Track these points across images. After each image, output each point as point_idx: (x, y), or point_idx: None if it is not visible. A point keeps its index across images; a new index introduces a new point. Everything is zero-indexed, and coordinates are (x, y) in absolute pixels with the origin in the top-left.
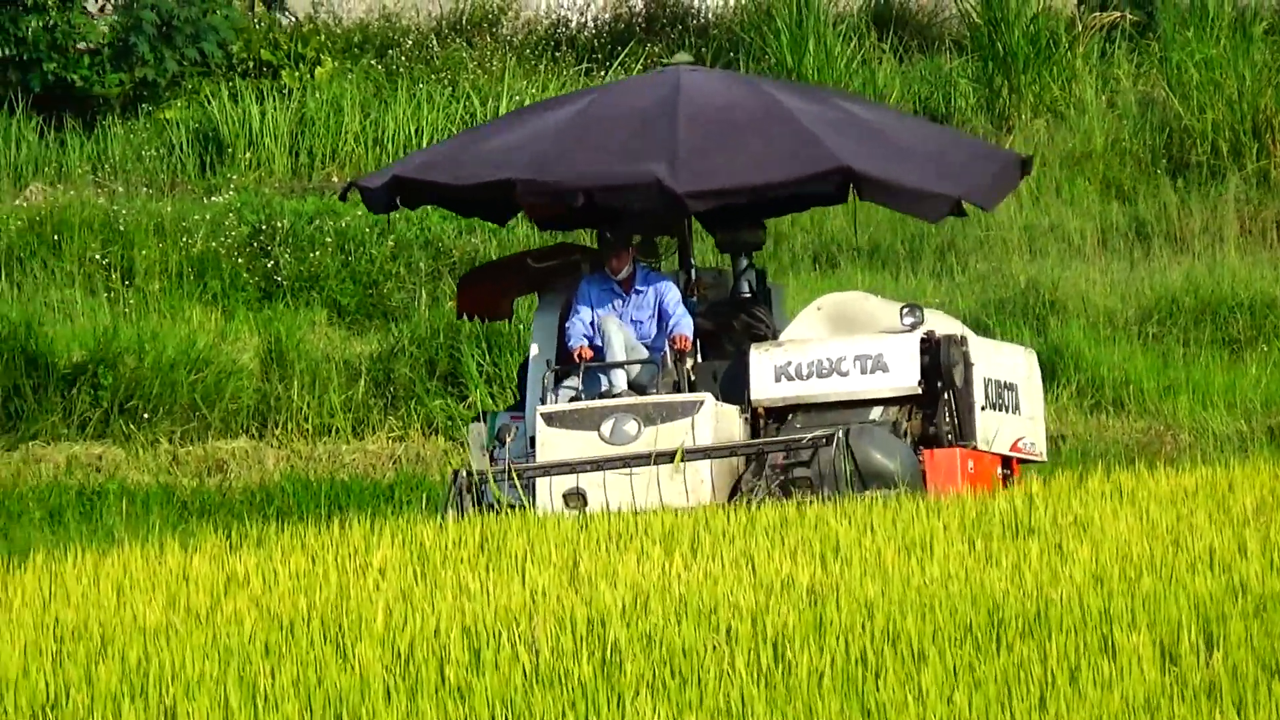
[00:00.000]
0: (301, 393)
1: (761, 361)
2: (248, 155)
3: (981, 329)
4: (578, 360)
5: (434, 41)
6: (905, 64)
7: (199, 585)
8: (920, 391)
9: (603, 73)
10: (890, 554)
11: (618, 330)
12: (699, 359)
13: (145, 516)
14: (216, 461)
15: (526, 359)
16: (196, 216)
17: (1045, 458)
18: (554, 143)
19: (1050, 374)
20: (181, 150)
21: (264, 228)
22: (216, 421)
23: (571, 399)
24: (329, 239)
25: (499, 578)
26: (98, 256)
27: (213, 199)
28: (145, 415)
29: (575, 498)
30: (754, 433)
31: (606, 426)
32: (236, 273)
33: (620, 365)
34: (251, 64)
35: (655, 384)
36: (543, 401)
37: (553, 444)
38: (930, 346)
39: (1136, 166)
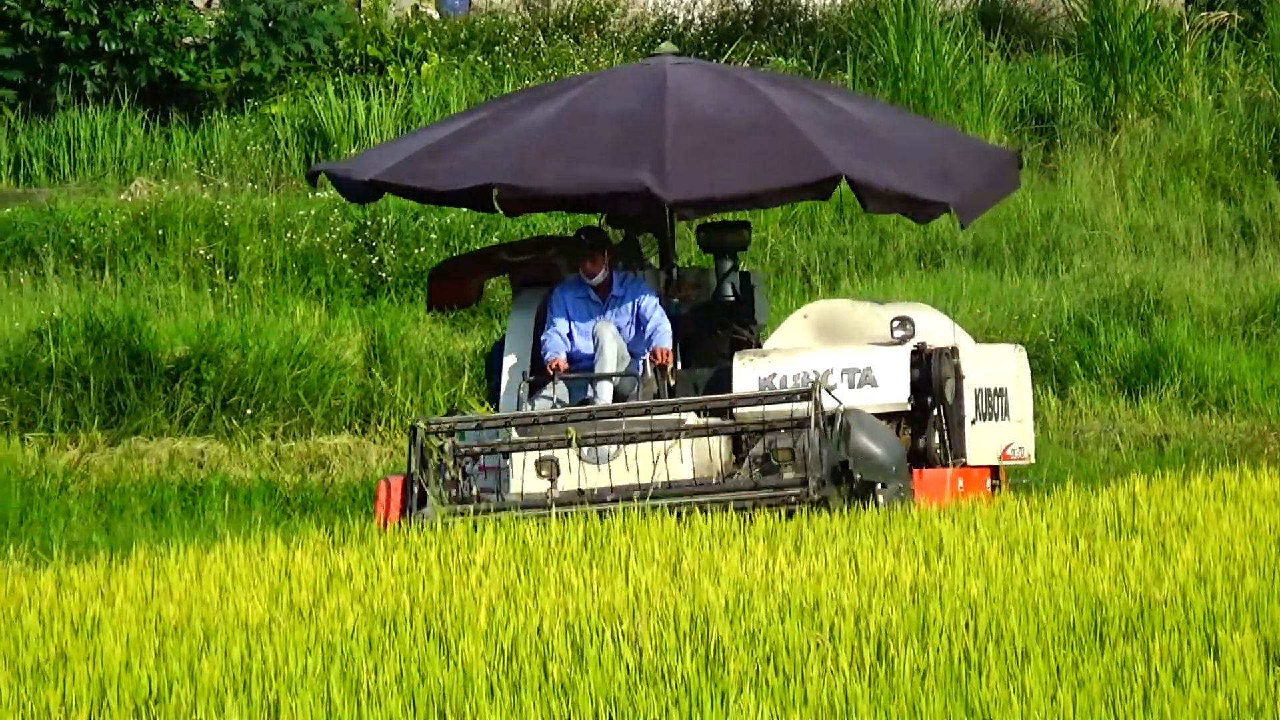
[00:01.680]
0: (405, 389)
1: (744, 373)
2: (353, 151)
3: (1085, 328)
4: (552, 372)
5: (540, 38)
6: (1012, 62)
7: (301, 581)
8: (910, 407)
9: None
10: (993, 553)
11: (612, 340)
12: (679, 366)
13: (247, 512)
14: (319, 458)
15: (494, 348)
16: (301, 212)
17: (1033, 458)
18: (535, 146)
19: (1154, 373)
20: (286, 145)
21: (368, 224)
22: (319, 418)
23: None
24: (433, 235)
25: (602, 574)
26: (202, 252)
27: (317, 195)
28: (248, 411)
29: (548, 465)
30: (735, 446)
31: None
32: (340, 268)
33: (598, 378)
34: (357, 60)
35: (636, 395)
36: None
37: (525, 453)
38: (921, 360)
39: (1242, 166)
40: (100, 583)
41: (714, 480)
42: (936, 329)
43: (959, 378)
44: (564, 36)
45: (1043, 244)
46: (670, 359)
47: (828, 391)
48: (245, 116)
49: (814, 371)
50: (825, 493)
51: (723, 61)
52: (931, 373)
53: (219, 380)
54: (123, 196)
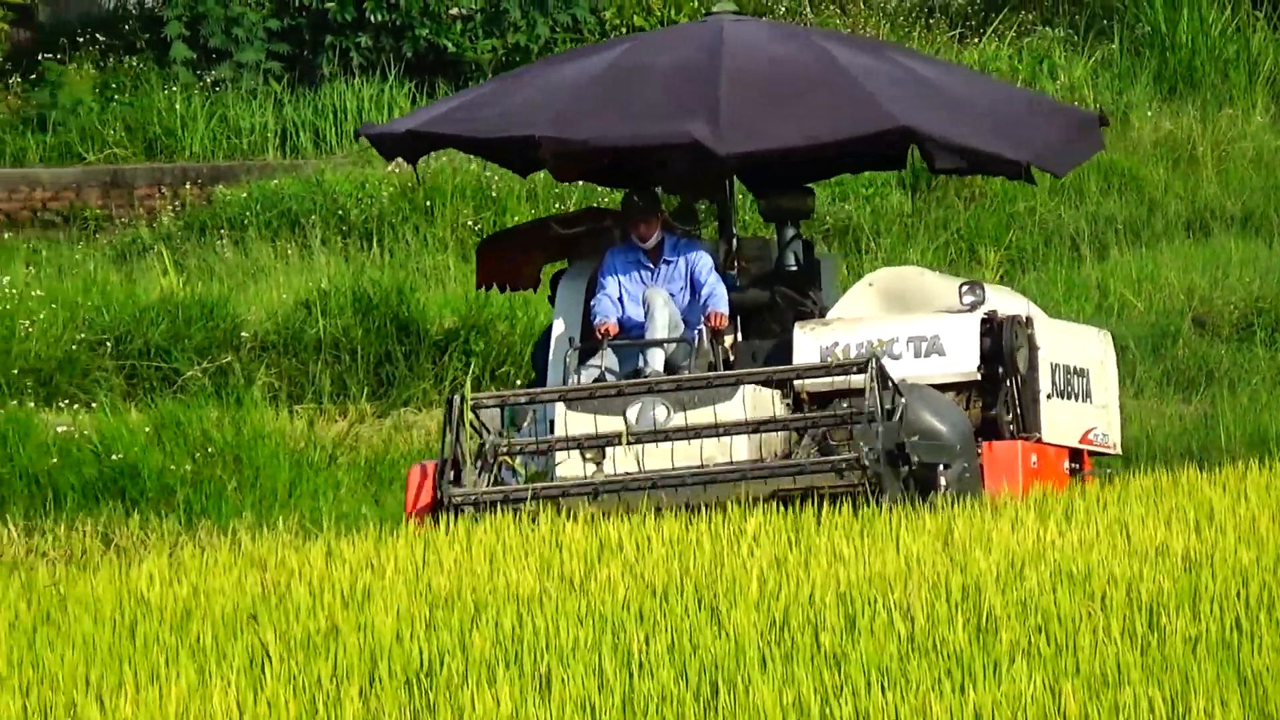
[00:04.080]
0: None
1: (806, 341)
2: None
3: None
4: (600, 337)
5: (806, 7)
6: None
7: (572, 552)
8: (979, 378)
9: (975, 39)
10: (1265, 521)
11: (663, 306)
12: (739, 337)
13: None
14: None
15: (545, 333)
16: (568, 183)
17: (1119, 450)
18: (582, 97)
19: None
20: None
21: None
22: None
23: (596, 380)
24: (700, 205)
25: (873, 544)
26: (470, 222)
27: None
28: (517, 382)
29: (595, 450)
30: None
31: (632, 411)
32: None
33: (651, 344)
34: (624, 29)
35: (689, 364)
36: (564, 383)
37: (572, 428)
38: (991, 328)
39: None
40: (370, 554)
41: (768, 460)
42: (1010, 307)
43: (1033, 348)
44: (830, 7)
45: None
46: (725, 322)
47: (884, 361)
48: None
49: (878, 340)
50: (879, 473)
51: (988, 32)
52: (1003, 341)
53: (488, 351)
54: (390, 168)
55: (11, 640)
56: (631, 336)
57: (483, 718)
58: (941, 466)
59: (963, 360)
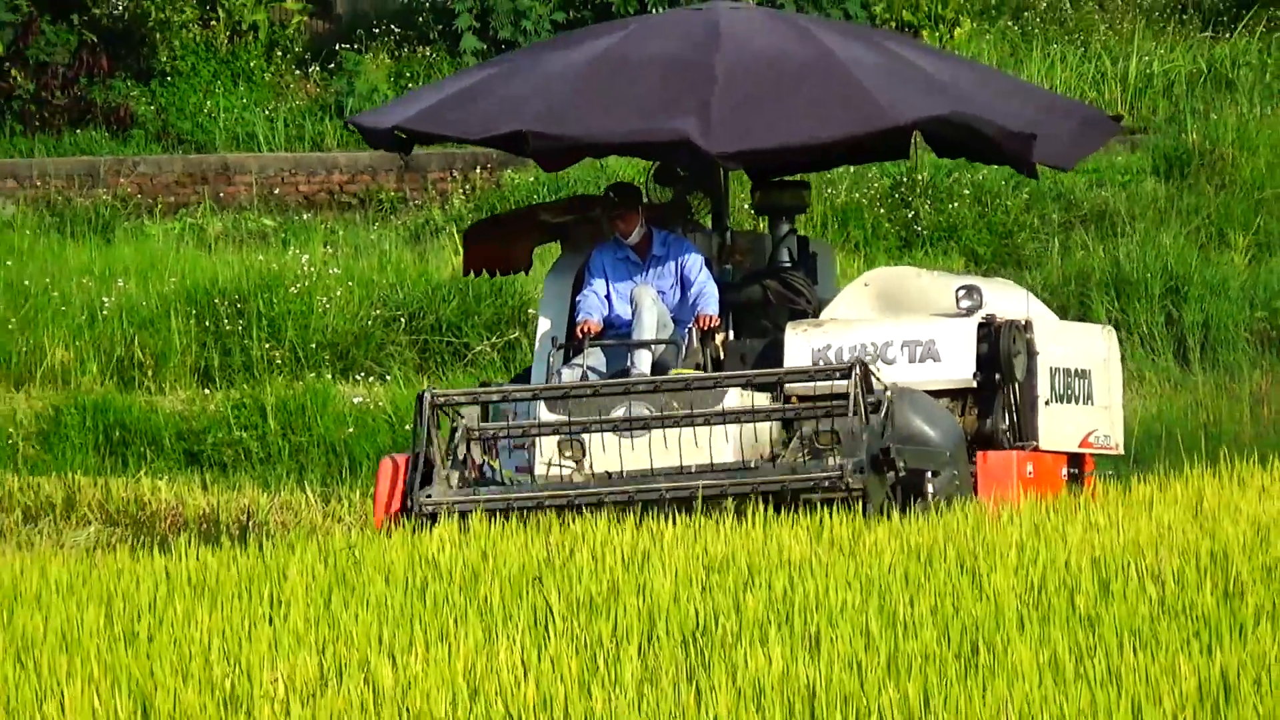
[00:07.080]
0: None
1: (797, 343)
2: None
3: None
4: (580, 335)
5: (1066, 4)
6: None
7: (841, 518)
8: (975, 385)
9: (1227, 35)
10: None
11: (651, 305)
12: (730, 335)
13: None
14: None
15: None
16: (840, 170)
17: (1121, 449)
18: (571, 90)
19: None
20: None
21: (904, 180)
22: None
23: (579, 379)
24: (966, 191)
25: (1128, 513)
26: (745, 206)
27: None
28: None
29: (571, 446)
30: (787, 423)
31: (617, 414)
32: (878, 222)
33: (637, 345)
34: (894, 24)
35: (678, 365)
36: (545, 381)
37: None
38: (989, 333)
39: None
40: (650, 522)
41: (755, 463)
42: (1011, 305)
43: (1031, 354)
44: (1089, 2)
45: None
46: (716, 324)
47: (875, 371)
48: None
49: (871, 344)
50: (860, 482)
51: (1239, 28)
52: (1000, 347)
53: None
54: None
55: (309, 600)
56: (619, 335)
57: (755, 675)
58: (930, 474)
59: (958, 366)
